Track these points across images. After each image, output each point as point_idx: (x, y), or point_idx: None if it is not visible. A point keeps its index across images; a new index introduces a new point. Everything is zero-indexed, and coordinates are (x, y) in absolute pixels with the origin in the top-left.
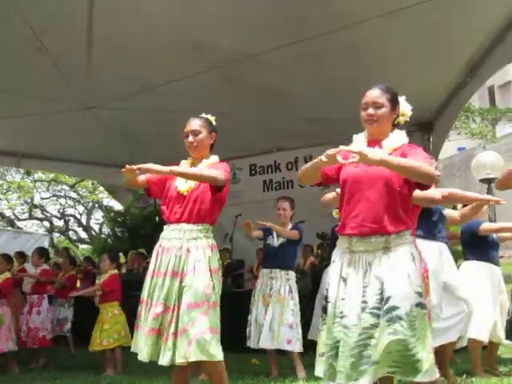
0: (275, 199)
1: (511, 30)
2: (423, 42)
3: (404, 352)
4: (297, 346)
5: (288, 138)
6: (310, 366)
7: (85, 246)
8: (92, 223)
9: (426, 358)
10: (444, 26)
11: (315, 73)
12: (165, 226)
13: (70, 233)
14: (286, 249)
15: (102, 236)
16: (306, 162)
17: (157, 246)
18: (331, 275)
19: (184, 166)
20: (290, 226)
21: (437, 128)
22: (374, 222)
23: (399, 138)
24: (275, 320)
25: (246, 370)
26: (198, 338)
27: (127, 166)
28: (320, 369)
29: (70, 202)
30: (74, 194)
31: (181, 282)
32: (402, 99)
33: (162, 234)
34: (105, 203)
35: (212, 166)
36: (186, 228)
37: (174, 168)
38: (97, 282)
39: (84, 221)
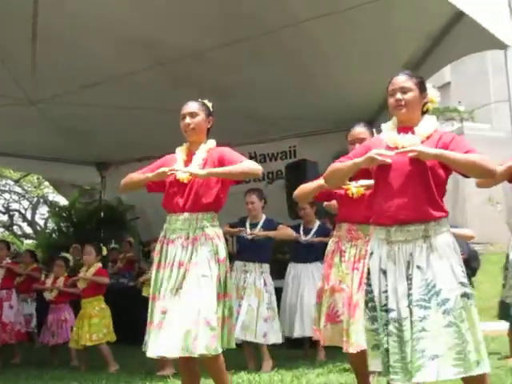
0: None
1: (448, 34)
2: (364, 44)
3: (458, 343)
4: (273, 338)
5: (233, 135)
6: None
7: (29, 241)
8: (37, 218)
9: (475, 349)
10: (384, 29)
11: (260, 72)
12: (167, 217)
13: (15, 228)
14: (260, 241)
15: (47, 231)
16: (251, 158)
17: (161, 238)
18: (371, 268)
19: (180, 153)
20: (263, 217)
21: (378, 125)
22: (413, 209)
23: (431, 123)
24: (252, 313)
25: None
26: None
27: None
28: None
29: (15, 197)
30: (18, 189)
31: (187, 272)
32: (429, 85)
33: (166, 226)
34: (50, 198)
35: (223, 155)
36: (190, 218)
37: (213, 170)
38: (81, 274)
39: (29, 216)
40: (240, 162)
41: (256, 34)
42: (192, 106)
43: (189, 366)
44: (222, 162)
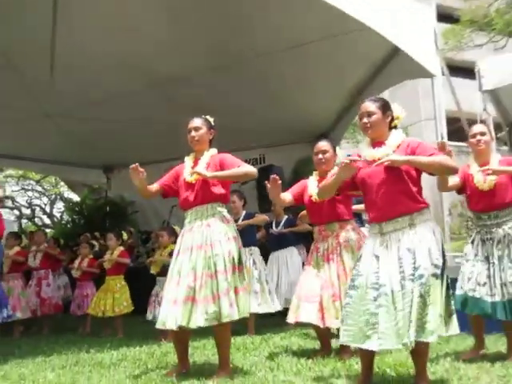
0: None
1: (387, 65)
2: (319, 72)
3: (422, 313)
4: (264, 308)
5: (214, 145)
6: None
7: (48, 230)
8: (55, 212)
9: (433, 320)
10: (335, 60)
11: (236, 93)
12: (184, 215)
13: (36, 219)
14: (245, 230)
15: (63, 222)
16: None
17: (182, 232)
18: (363, 253)
19: (188, 161)
20: (243, 212)
21: (331, 138)
22: (396, 206)
23: (398, 136)
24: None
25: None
26: (236, 299)
27: (133, 166)
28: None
29: (36, 194)
30: (39, 188)
31: (205, 252)
32: (394, 106)
33: (184, 222)
34: (65, 195)
35: (225, 160)
36: (201, 209)
37: (217, 173)
38: (106, 256)
39: (48, 209)
40: (238, 166)
41: (233, 63)
42: (196, 122)
43: (185, 335)
44: (223, 166)
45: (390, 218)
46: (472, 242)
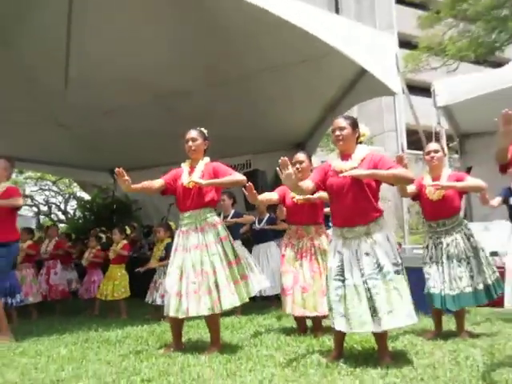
0: None
1: (356, 85)
2: (298, 90)
3: (400, 302)
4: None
5: (208, 152)
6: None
7: (62, 225)
8: (68, 209)
9: (402, 308)
10: (312, 79)
11: (227, 107)
12: (180, 214)
13: (52, 216)
14: (232, 226)
15: (75, 218)
16: None
17: (178, 232)
18: (330, 250)
19: (185, 167)
20: (232, 211)
21: (308, 147)
22: (356, 216)
23: (363, 150)
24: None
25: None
26: (237, 289)
27: (118, 170)
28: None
29: (52, 194)
30: (55, 188)
31: (202, 251)
32: (361, 124)
33: (180, 222)
34: (78, 194)
35: (218, 168)
36: (196, 213)
37: (211, 181)
38: (112, 248)
39: (63, 207)
40: (230, 174)
41: (224, 80)
42: (193, 133)
43: (181, 320)
44: (216, 174)
45: (349, 227)
46: (426, 247)
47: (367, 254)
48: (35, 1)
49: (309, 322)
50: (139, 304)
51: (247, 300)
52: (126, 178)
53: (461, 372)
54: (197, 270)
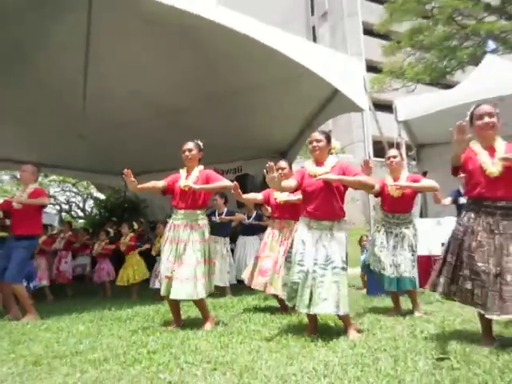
0: None
1: (330, 102)
2: (281, 105)
3: (337, 294)
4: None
5: (204, 158)
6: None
7: (81, 221)
8: (86, 207)
9: (344, 300)
10: (292, 96)
11: (221, 120)
12: (174, 211)
13: (73, 213)
14: (224, 223)
15: (92, 215)
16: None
17: (170, 224)
18: (295, 237)
19: (183, 173)
20: (225, 209)
21: (289, 155)
22: (325, 213)
23: (333, 160)
24: (221, 269)
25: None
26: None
27: (126, 171)
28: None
29: (73, 194)
30: (75, 189)
31: (188, 246)
32: (333, 139)
33: (173, 216)
34: (94, 195)
35: (210, 175)
36: (188, 213)
37: (203, 186)
38: (122, 241)
39: (81, 205)
40: (219, 180)
41: (217, 99)
42: (190, 145)
43: (177, 301)
44: (208, 180)
45: (315, 219)
46: (378, 232)
47: (324, 246)
48: (56, 18)
49: None
50: (146, 287)
51: (212, 290)
52: (133, 178)
53: (417, 343)
54: (182, 260)
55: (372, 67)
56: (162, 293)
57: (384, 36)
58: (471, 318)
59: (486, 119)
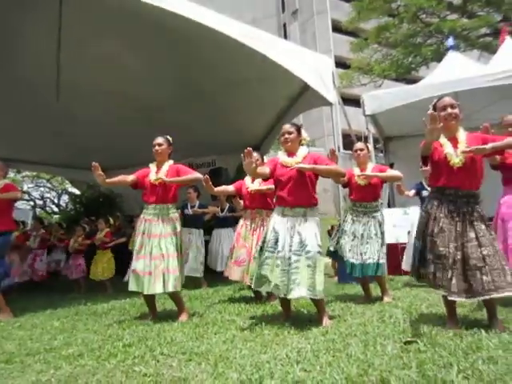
0: None
1: (301, 97)
2: (253, 101)
3: (311, 278)
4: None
5: (181, 152)
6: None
7: (56, 216)
8: (61, 202)
9: (319, 283)
10: (265, 92)
11: (196, 117)
12: (145, 206)
13: (47, 208)
14: (197, 216)
15: (67, 210)
16: (190, 165)
17: (141, 218)
18: (268, 226)
19: (152, 167)
20: (197, 203)
21: (262, 149)
22: (298, 199)
23: (304, 151)
24: (195, 259)
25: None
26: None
27: (94, 164)
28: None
29: (47, 189)
30: (49, 185)
31: (160, 239)
32: (303, 131)
33: (144, 211)
34: (69, 190)
35: (180, 169)
36: (159, 207)
37: (174, 179)
38: (97, 236)
39: (56, 201)
40: (190, 173)
41: (193, 95)
42: (159, 139)
43: (151, 295)
44: (179, 174)
45: (291, 206)
46: (346, 221)
47: (299, 232)
48: (27, 16)
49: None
50: (120, 281)
51: (183, 281)
52: (101, 172)
53: (386, 328)
54: (153, 254)
55: (341, 63)
56: (131, 288)
57: (352, 33)
58: (437, 302)
59: (449, 110)
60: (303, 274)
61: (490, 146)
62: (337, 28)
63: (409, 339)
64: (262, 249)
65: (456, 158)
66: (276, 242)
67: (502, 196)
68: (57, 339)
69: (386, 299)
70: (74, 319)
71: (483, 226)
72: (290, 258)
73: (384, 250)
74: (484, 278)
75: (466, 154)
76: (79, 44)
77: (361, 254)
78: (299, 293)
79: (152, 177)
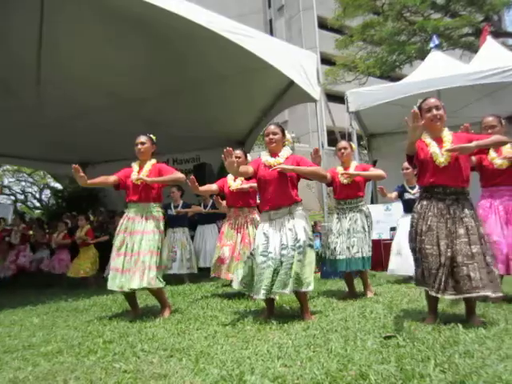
0: None
1: (285, 93)
2: (237, 96)
3: (300, 271)
4: (193, 270)
5: (165, 148)
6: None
7: (38, 211)
8: (43, 197)
9: (309, 276)
10: (248, 89)
11: (179, 112)
12: (128, 205)
13: (29, 203)
14: (181, 215)
15: (49, 205)
16: (174, 162)
17: (124, 216)
18: (257, 232)
19: (135, 166)
20: (181, 202)
21: (247, 144)
22: (281, 199)
23: (287, 151)
24: (181, 257)
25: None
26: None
27: (74, 166)
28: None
29: (28, 184)
30: (31, 179)
31: (142, 236)
32: (287, 132)
33: (127, 210)
34: (51, 184)
35: (162, 168)
36: (142, 205)
37: (155, 179)
38: (78, 234)
39: (38, 195)
40: (172, 173)
41: (176, 90)
42: (142, 138)
43: (131, 292)
44: (161, 173)
45: (275, 209)
46: (332, 221)
47: (290, 229)
48: (7, 10)
49: None
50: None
51: (164, 283)
52: (82, 174)
53: (366, 323)
54: (134, 250)
55: (326, 60)
56: (110, 287)
57: (338, 30)
58: (417, 297)
59: (434, 111)
60: (294, 269)
61: (474, 144)
62: (323, 25)
63: (388, 334)
64: (252, 254)
65: (441, 157)
66: (267, 245)
67: (480, 200)
68: (36, 336)
69: (369, 294)
70: (54, 316)
71: (473, 223)
72: (282, 256)
73: (370, 243)
74: (471, 274)
75: (450, 152)
76: (61, 37)
77: (347, 249)
78: (288, 289)
79: (134, 176)
